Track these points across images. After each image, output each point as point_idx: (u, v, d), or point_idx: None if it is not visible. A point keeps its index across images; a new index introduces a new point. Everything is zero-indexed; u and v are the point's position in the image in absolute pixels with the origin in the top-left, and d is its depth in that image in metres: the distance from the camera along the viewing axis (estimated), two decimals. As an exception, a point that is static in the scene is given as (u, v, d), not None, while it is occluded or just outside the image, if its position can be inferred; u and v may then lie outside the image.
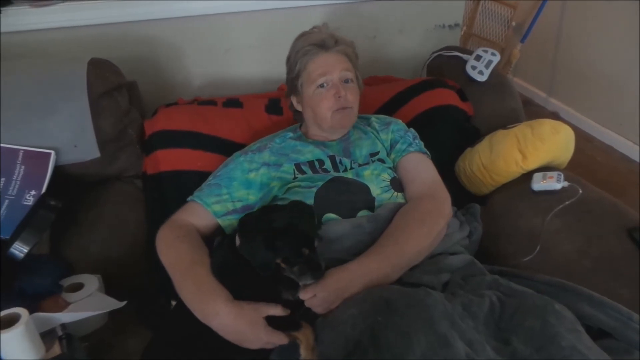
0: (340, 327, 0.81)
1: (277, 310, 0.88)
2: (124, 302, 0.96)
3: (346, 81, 1.14)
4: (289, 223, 0.88)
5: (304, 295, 0.89)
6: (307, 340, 0.85)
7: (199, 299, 0.90)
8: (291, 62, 1.18)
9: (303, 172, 1.12)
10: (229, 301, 0.88)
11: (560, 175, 1.18)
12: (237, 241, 0.93)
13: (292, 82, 1.19)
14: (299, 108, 1.21)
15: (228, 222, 1.10)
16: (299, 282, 0.89)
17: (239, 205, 1.11)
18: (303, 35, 1.19)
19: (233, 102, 1.43)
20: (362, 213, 1.05)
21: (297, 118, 1.26)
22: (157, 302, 1.04)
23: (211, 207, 1.09)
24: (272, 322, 0.88)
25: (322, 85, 1.12)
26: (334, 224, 1.02)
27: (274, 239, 0.86)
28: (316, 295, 0.88)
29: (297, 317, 0.88)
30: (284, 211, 0.94)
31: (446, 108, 1.41)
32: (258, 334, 0.86)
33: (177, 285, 0.94)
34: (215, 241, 1.09)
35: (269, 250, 0.86)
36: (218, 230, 1.10)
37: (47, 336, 0.86)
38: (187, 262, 0.96)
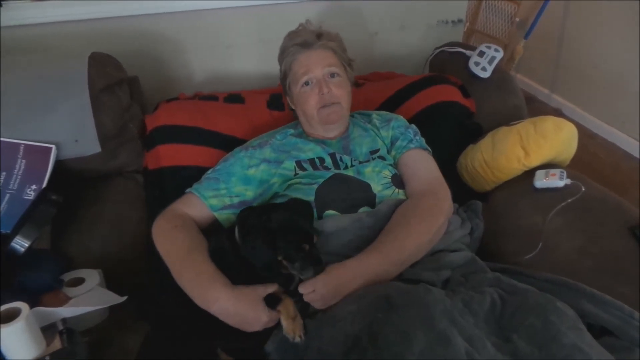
0: (340, 323, 0.81)
1: (274, 289, 0.90)
2: (125, 297, 0.96)
3: (332, 75, 1.14)
4: (288, 221, 0.89)
5: (303, 289, 0.89)
6: (287, 310, 0.88)
7: (198, 285, 0.91)
8: (279, 63, 1.21)
9: (304, 169, 1.11)
10: (228, 286, 0.89)
11: (563, 172, 1.18)
12: (237, 234, 0.94)
13: (283, 83, 1.21)
14: (292, 107, 1.22)
15: (225, 216, 1.10)
16: (301, 277, 0.90)
17: (236, 200, 1.11)
18: (289, 35, 1.20)
19: (234, 98, 1.43)
20: (363, 210, 1.05)
21: (296, 116, 1.26)
22: (158, 299, 1.04)
23: (208, 201, 1.09)
24: None
25: (307, 83, 1.13)
26: (334, 218, 1.02)
27: (274, 239, 0.87)
28: (315, 291, 0.88)
29: (279, 294, 0.91)
30: (282, 209, 0.94)
31: (448, 104, 1.40)
32: (258, 315, 0.87)
33: (175, 273, 0.95)
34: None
35: (271, 251, 0.87)
36: (214, 223, 1.10)
37: (47, 330, 0.86)
38: (184, 250, 0.97)
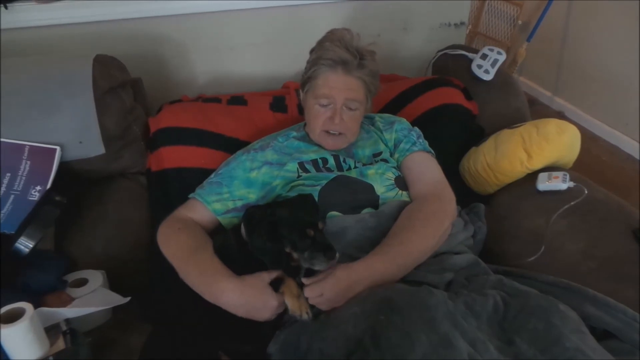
0: (342, 325, 0.81)
1: (278, 273, 0.91)
2: (128, 298, 0.97)
3: (351, 108, 1.10)
4: (290, 213, 0.90)
5: (310, 292, 0.89)
6: (289, 290, 0.88)
7: (204, 281, 0.92)
8: (310, 60, 1.15)
9: (307, 171, 1.12)
10: (234, 277, 0.90)
11: (565, 175, 1.17)
12: (242, 230, 0.94)
13: (303, 78, 1.17)
14: (303, 105, 1.21)
15: (228, 220, 1.10)
16: (314, 268, 0.90)
17: (239, 203, 1.11)
18: (331, 38, 1.10)
19: (237, 100, 1.43)
20: (366, 211, 1.05)
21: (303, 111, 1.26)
22: (161, 299, 1.04)
23: (211, 206, 1.09)
24: None
25: (323, 104, 1.10)
26: (337, 219, 1.02)
27: (277, 229, 0.87)
28: (323, 295, 0.88)
29: (283, 277, 0.91)
30: (286, 205, 0.95)
31: (451, 107, 1.40)
32: (267, 301, 0.87)
33: (182, 273, 0.95)
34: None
35: (276, 242, 0.87)
36: (218, 227, 1.11)
37: (51, 331, 0.86)
38: (188, 250, 0.98)
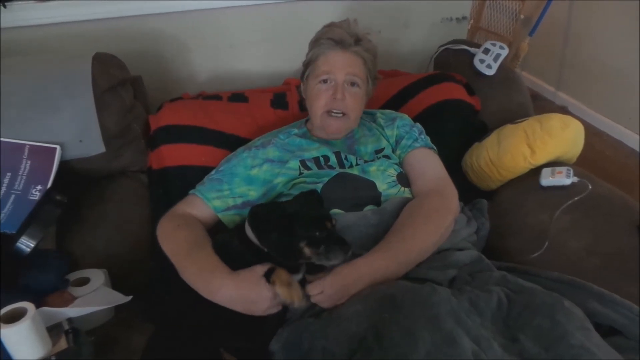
0: (345, 323, 0.81)
1: (271, 265, 0.90)
2: (130, 297, 0.97)
3: (352, 84, 1.11)
4: (302, 209, 0.90)
5: (311, 290, 0.88)
6: (279, 278, 0.87)
7: (201, 278, 0.92)
8: (308, 48, 1.17)
9: (308, 168, 1.11)
10: (230, 273, 0.90)
11: (569, 170, 1.16)
12: (247, 229, 0.94)
13: (303, 69, 1.19)
14: (304, 95, 1.21)
15: (229, 217, 1.10)
16: (329, 263, 0.89)
17: (239, 201, 1.11)
18: (329, 25, 1.16)
19: (238, 97, 1.43)
20: (368, 208, 1.05)
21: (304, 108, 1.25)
22: (162, 299, 1.04)
23: (211, 202, 1.09)
24: None
25: (324, 81, 1.11)
26: (339, 216, 1.02)
27: (292, 225, 0.87)
28: (324, 292, 0.88)
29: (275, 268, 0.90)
30: (294, 202, 0.95)
31: (453, 102, 1.40)
32: (261, 292, 0.87)
33: (180, 270, 0.96)
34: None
35: (292, 239, 0.87)
36: (218, 223, 1.11)
37: (53, 330, 0.86)
38: (186, 246, 0.98)
